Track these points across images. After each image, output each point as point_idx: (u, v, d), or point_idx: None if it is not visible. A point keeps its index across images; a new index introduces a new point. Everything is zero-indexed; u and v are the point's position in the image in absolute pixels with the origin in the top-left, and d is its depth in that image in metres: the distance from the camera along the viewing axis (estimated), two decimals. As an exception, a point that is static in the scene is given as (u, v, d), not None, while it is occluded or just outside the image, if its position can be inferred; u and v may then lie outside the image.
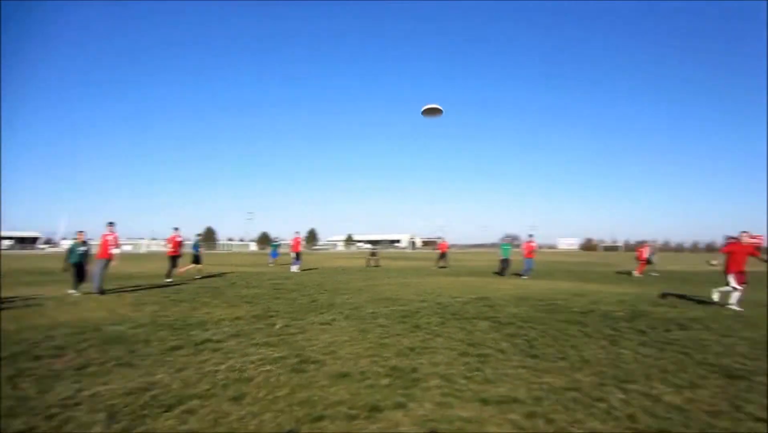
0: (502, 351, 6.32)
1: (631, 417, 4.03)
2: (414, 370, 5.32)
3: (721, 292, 10.72)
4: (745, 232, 10.59)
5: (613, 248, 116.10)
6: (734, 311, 9.68)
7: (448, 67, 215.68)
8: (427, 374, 5.19)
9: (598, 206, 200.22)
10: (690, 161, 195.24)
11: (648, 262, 22.51)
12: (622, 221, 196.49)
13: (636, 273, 22.01)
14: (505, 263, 20.97)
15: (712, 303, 10.79)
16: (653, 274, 22.33)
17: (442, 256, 27.27)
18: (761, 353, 6.27)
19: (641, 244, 23.16)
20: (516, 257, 23.00)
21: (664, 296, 12.68)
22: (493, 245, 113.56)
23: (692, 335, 7.46)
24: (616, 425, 3.89)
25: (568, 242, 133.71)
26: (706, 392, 4.69)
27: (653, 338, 7.26)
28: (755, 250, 10.29)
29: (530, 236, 21.19)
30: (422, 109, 8.35)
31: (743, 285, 10.20)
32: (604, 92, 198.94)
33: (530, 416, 4.14)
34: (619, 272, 24.86)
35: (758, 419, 3.94)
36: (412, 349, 6.30)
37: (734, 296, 10.11)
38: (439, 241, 29.25)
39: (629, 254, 61.54)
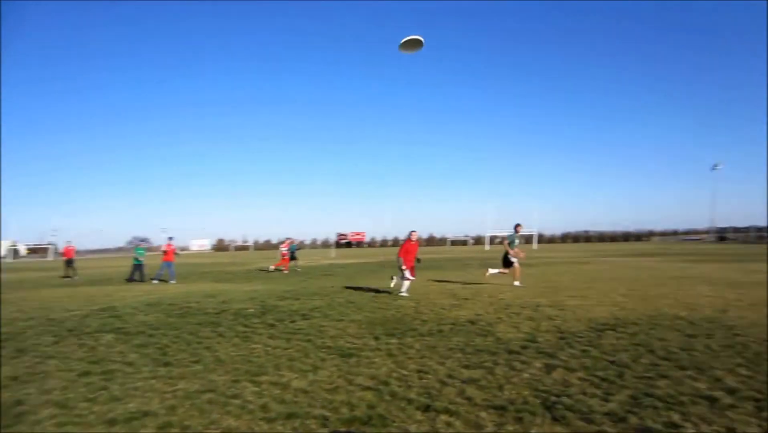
0: (130, 364, 6.17)
1: (264, 407, 4.51)
2: (18, 403, 4.77)
3: (397, 280, 13.57)
4: (414, 231, 13.45)
5: (244, 248, 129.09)
6: (404, 297, 12.30)
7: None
8: (36, 405, 4.69)
9: (228, 208, 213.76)
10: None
11: (292, 258, 26.35)
12: (251, 222, 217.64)
13: (272, 268, 26.21)
14: (138, 267, 21.26)
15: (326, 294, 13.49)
16: (297, 269, 26.37)
17: (69, 263, 25.21)
18: (367, 331, 7.99)
19: (284, 241, 27.22)
20: (152, 261, 22.82)
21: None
22: (119, 250, 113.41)
23: (314, 323, 8.91)
24: (251, 418, 4.31)
25: (200, 243, 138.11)
26: (325, 372, 5.70)
27: (281, 329, 8.31)
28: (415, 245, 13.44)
29: (170, 238, 21.87)
30: (402, 42, 8.49)
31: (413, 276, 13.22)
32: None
33: (164, 426, 4.14)
34: (260, 270, 28.04)
35: (365, 388, 5.03)
36: (14, 378, 5.63)
37: (405, 285, 12.98)
38: (65, 246, 26.41)
39: (260, 252, 68.90)
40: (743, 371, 5.11)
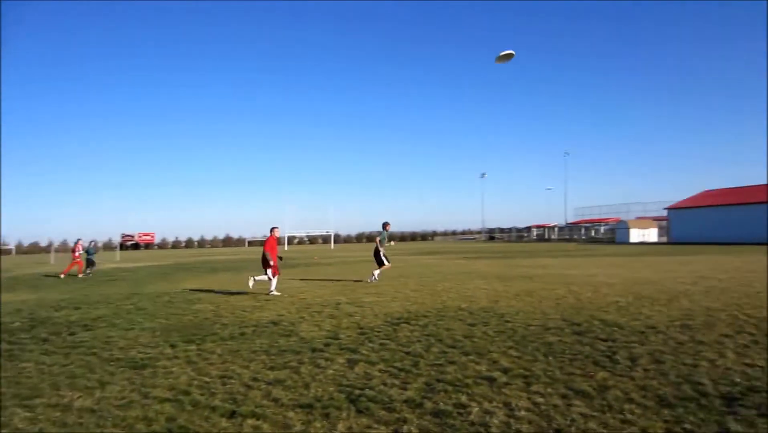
0: None
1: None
2: None
3: (256, 280, 13.96)
4: (276, 227, 14.07)
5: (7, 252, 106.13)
6: (275, 296, 12.80)
7: None
8: None
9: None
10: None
11: (90, 263, 24.31)
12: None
13: (62, 275, 23.54)
14: None
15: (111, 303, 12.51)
16: (88, 274, 23.87)
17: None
18: (162, 339, 7.75)
19: (76, 242, 25.18)
20: None
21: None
22: None
23: (98, 334, 8.36)
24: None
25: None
26: (116, 387, 5.36)
27: (58, 344, 7.68)
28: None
29: None
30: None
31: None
32: None
33: None
34: (46, 275, 24.92)
35: (164, 400, 4.86)
36: None
37: (274, 283, 13.42)
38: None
39: (29, 257, 58.01)
40: (514, 353, 6.36)
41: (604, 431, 3.87)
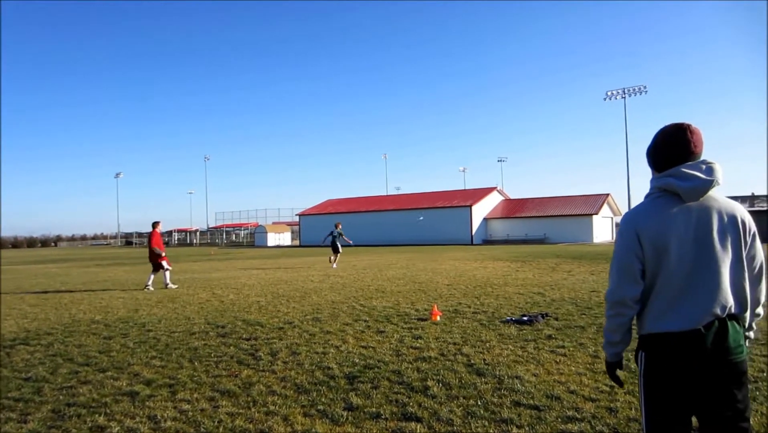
0: None
1: None
2: None
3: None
4: (158, 221, 14.65)
5: None
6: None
7: None
8: None
9: None
10: None
11: None
12: None
13: None
14: None
15: None
16: None
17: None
18: None
19: None
20: None
21: None
22: None
23: None
24: None
25: None
26: None
27: None
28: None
29: None
30: None
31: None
32: None
33: None
34: None
35: None
36: None
37: (167, 276, 14.02)
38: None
39: None
40: (157, 362, 6.01)
41: (250, 426, 4.01)
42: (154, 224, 14.41)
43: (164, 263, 13.89)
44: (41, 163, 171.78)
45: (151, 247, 14.02)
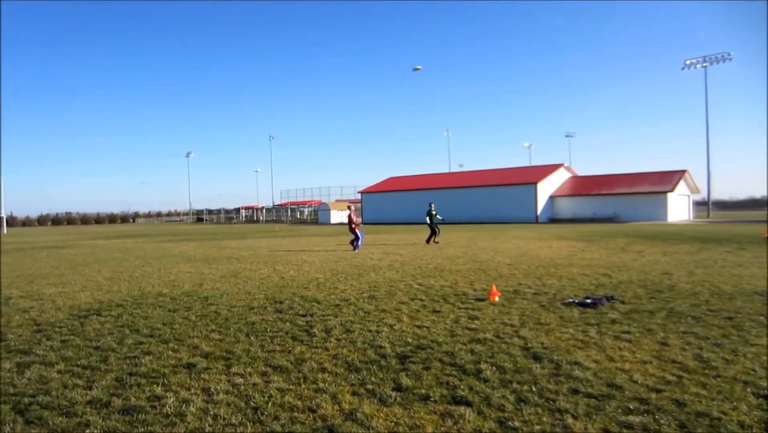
0: None
1: None
2: None
3: None
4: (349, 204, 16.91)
5: None
6: None
7: None
8: None
9: None
10: None
11: None
12: None
13: None
14: None
15: None
16: None
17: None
18: None
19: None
20: None
21: None
22: None
23: None
24: None
25: None
26: None
27: None
28: None
29: None
30: None
31: None
32: None
33: None
34: None
35: None
36: None
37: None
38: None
39: None
40: (216, 336, 6.24)
41: (299, 403, 4.03)
42: (348, 207, 19.68)
43: (357, 231, 18.33)
44: (120, 141, 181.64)
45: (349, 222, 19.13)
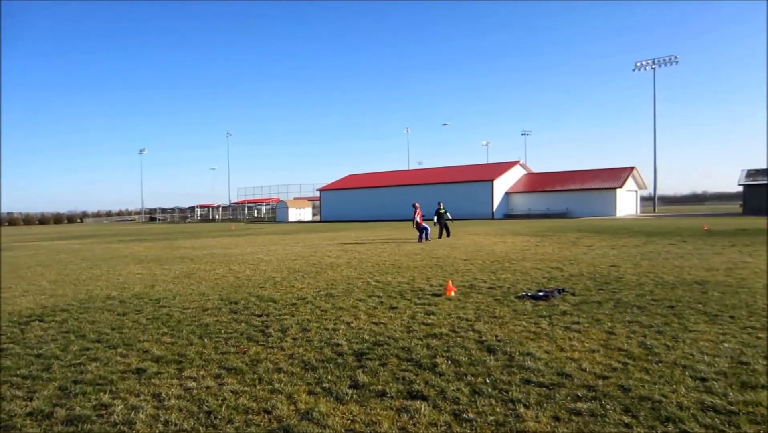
0: None
1: None
2: None
3: None
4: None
5: None
6: None
7: None
8: None
9: None
10: None
11: None
12: None
13: None
14: None
15: None
16: None
17: None
18: None
19: None
20: None
21: None
22: None
23: None
24: None
25: None
26: None
27: None
28: None
29: None
30: None
31: None
32: None
33: None
34: None
35: None
36: None
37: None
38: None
39: None
40: (168, 339, 6.05)
41: (254, 404, 3.97)
42: (414, 205, 21.79)
43: (424, 225, 20.62)
44: (66, 139, 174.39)
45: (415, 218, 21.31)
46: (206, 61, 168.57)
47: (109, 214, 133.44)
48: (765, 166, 48.18)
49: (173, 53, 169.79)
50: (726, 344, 5.09)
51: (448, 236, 22.04)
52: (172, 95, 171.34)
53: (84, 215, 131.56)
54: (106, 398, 4.21)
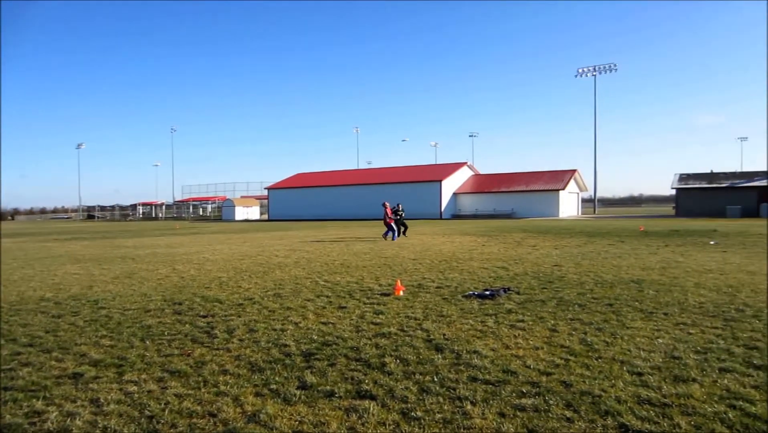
0: None
1: None
2: None
3: None
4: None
5: None
6: None
7: None
8: None
9: None
10: None
11: None
12: None
13: None
14: None
15: None
16: None
17: None
18: None
19: None
20: None
21: None
22: None
23: None
24: None
25: None
26: None
27: None
28: None
29: None
30: None
31: None
32: None
33: None
34: None
35: None
36: None
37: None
38: None
39: None
40: (107, 342, 5.81)
41: (198, 408, 3.86)
42: (384, 204, 21.35)
43: (393, 225, 20.61)
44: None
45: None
46: (150, 54, 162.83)
47: (43, 211, 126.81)
48: (696, 171, 51.02)
49: (114, 41, 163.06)
50: (660, 340, 5.35)
51: (404, 234, 22.12)
52: (114, 87, 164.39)
53: (16, 212, 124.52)
54: (39, 404, 4.00)
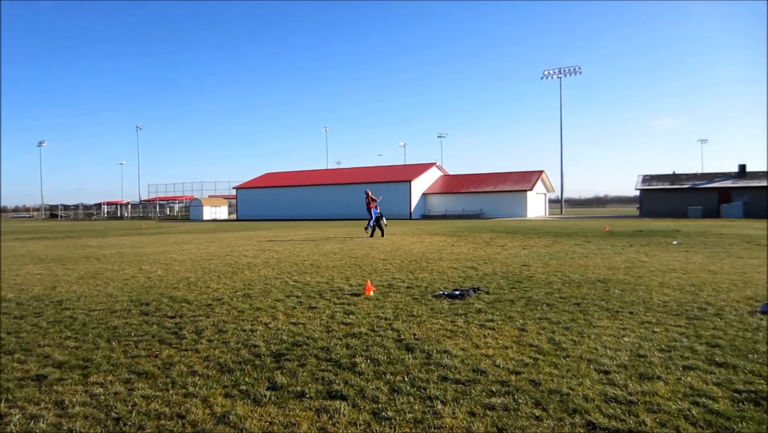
0: None
1: None
2: None
3: None
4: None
5: None
6: None
7: None
8: None
9: None
10: None
11: None
12: None
13: None
14: None
15: None
16: None
17: None
18: None
19: None
20: None
21: None
22: None
23: None
24: None
25: None
26: None
27: None
28: None
29: None
30: None
31: None
32: None
33: None
34: None
35: None
36: None
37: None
38: None
39: None
40: (71, 343, 5.66)
41: (167, 409, 3.81)
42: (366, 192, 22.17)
43: (372, 211, 21.34)
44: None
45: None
46: (113, 44, 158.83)
47: (3, 210, 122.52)
48: (660, 173, 52.49)
49: (77, 37, 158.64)
50: (626, 339, 5.50)
51: (382, 235, 22.10)
52: (76, 83, 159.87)
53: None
54: (1, 407, 3.88)
